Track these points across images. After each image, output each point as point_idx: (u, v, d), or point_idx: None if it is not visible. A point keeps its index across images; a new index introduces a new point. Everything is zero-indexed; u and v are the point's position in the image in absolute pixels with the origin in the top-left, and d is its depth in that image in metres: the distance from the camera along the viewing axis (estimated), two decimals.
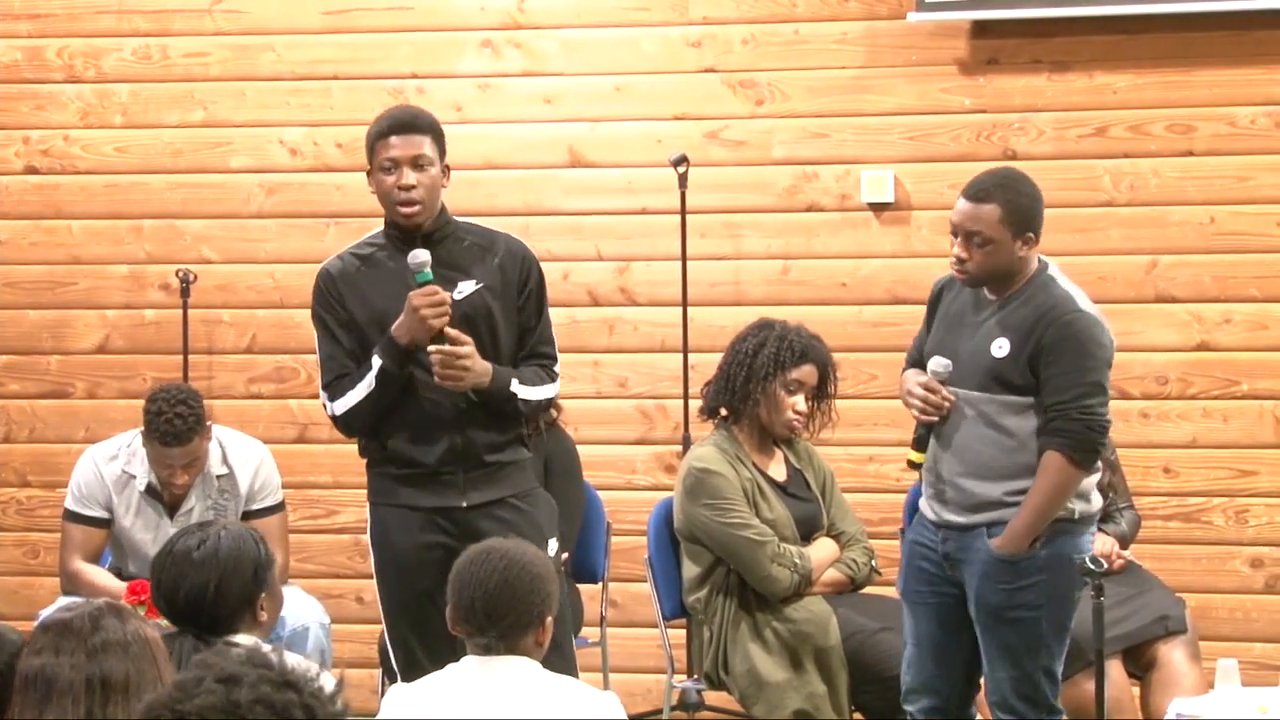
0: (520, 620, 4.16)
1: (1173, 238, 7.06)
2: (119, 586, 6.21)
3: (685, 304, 7.15)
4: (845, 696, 5.99)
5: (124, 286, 7.64)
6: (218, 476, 6.40)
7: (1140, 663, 6.18)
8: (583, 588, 6.61)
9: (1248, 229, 7.02)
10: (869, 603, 6.19)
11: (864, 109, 7.23)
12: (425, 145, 5.32)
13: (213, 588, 4.17)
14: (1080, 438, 5.22)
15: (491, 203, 7.17)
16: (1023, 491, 5.26)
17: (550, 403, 5.60)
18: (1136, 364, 7.03)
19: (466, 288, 5.33)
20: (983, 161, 6.53)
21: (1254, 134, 7.01)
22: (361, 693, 6.83)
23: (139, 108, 7.63)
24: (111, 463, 6.43)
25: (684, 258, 7.13)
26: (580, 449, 6.70)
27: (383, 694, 6.05)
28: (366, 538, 5.54)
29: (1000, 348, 5.29)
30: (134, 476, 6.40)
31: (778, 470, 6.23)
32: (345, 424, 5.39)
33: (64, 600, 5.58)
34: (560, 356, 5.53)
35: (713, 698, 6.57)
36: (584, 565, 6.64)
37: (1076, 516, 5.32)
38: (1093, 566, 5.09)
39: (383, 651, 6.25)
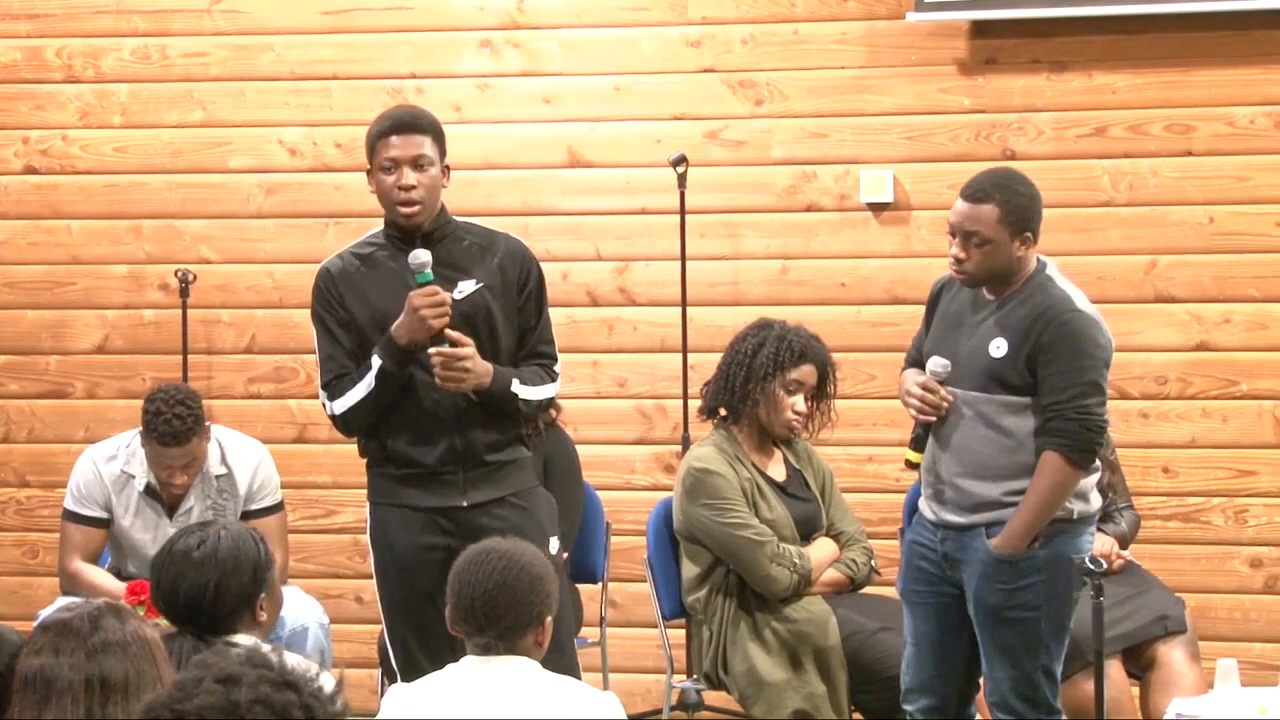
0: (519, 620, 4.16)
1: (1172, 238, 7.06)
2: (118, 587, 6.21)
3: (684, 304, 7.15)
4: (845, 696, 5.99)
5: (123, 286, 7.64)
6: (217, 477, 6.39)
7: (1140, 663, 6.18)
8: (582, 588, 6.61)
9: (1247, 229, 7.02)
10: (868, 603, 6.19)
11: (863, 109, 7.23)
12: (426, 145, 5.32)
13: (212, 588, 4.17)
14: (1077, 438, 5.22)
15: (490, 203, 7.17)
16: (1021, 491, 5.26)
17: (550, 402, 5.60)
18: (1136, 364, 7.04)
19: (467, 287, 5.33)
20: (982, 161, 6.53)
21: (1253, 134, 7.01)
22: (361, 693, 6.83)
23: (138, 108, 7.63)
24: (110, 463, 6.43)
25: (683, 258, 7.13)
26: (580, 449, 6.70)
27: (382, 694, 6.05)
28: (366, 538, 5.54)
29: (998, 348, 5.29)
30: (133, 476, 6.39)
31: (777, 470, 6.24)
32: (344, 423, 5.39)
33: (63, 600, 5.57)
34: (560, 356, 5.53)
35: (712, 698, 6.57)
36: (583, 565, 6.64)
37: (1075, 516, 5.32)
38: (1092, 567, 5.09)
39: (382, 651, 6.25)
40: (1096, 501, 5.43)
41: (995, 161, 6.73)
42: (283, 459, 6.78)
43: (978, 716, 5.64)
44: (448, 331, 5.21)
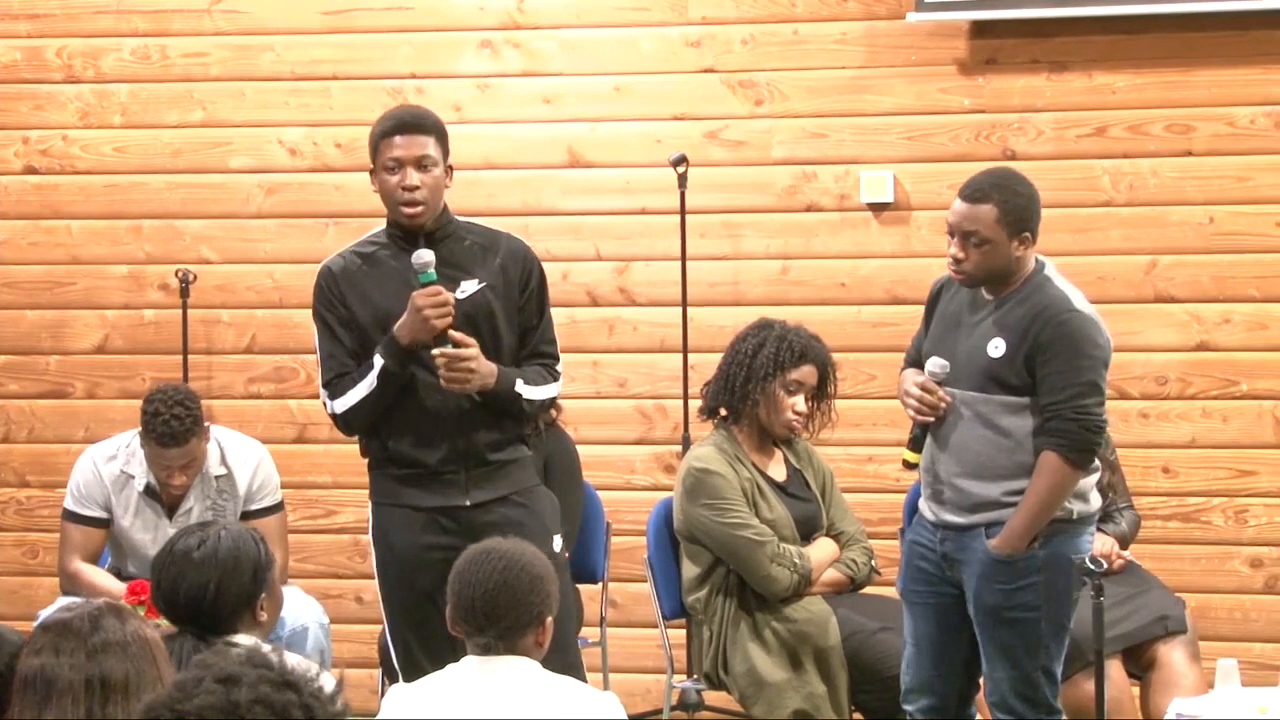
0: (520, 620, 4.16)
1: (1172, 238, 7.06)
2: (119, 587, 6.21)
3: (685, 304, 7.15)
4: (845, 696, 5.99)
5: (123, 286, 7.64)
6: (216, 477, 6.39)
7: (1140, 663, 6.18)
8: (582, 588, 6.60)
9: (1247, 229, 7.02)
10: (868, 603, 6.19)
11: (863, 109, 7.23)
12: (429, 146, 5.33)
13: (212, 588, 4.17)
14: (1076, 438, 5.22)
15: (490, 203, 7.17)
16: (1020, 491, 5.26)
17: (552, 402, 5.60)
18: (1136, 364, 7.04)
19: (469, 287, 5.33)
20: (982, 161, 6.53)
21: (1253, 134, 7.01)
22: (361, 693, 6.83)
23: (138, 108, 7.63)
24: (110, 463, 6.43)
25: (683, 258, 7.13)
26: (580, 449, 6.69)
27: (382, 694, 6.05)
28: (366, 537, 5.54)
29: (996, 348, 5.29)
30: (133, 477, 6.39)
31: (777, 470, 6.24)
32: (345, 422, 5.39)
33: (63, 600, 5.57)
34: (560, 356, 5.53)
35: (712, 698, 6.57)
36: (584, 565, 6.64)
37: (1075, 517, 5.32)
38: (1092, 567, 5.09)
39: (382, 651, 6.25)
40: (1096, 501, 5.43)
41: (995, 161, 6.73)
42: (283, 459, 6.78)
43: (978, 716, 5.64)
44: (451, 332, 5.21)
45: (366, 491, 5.51)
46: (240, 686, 2.52)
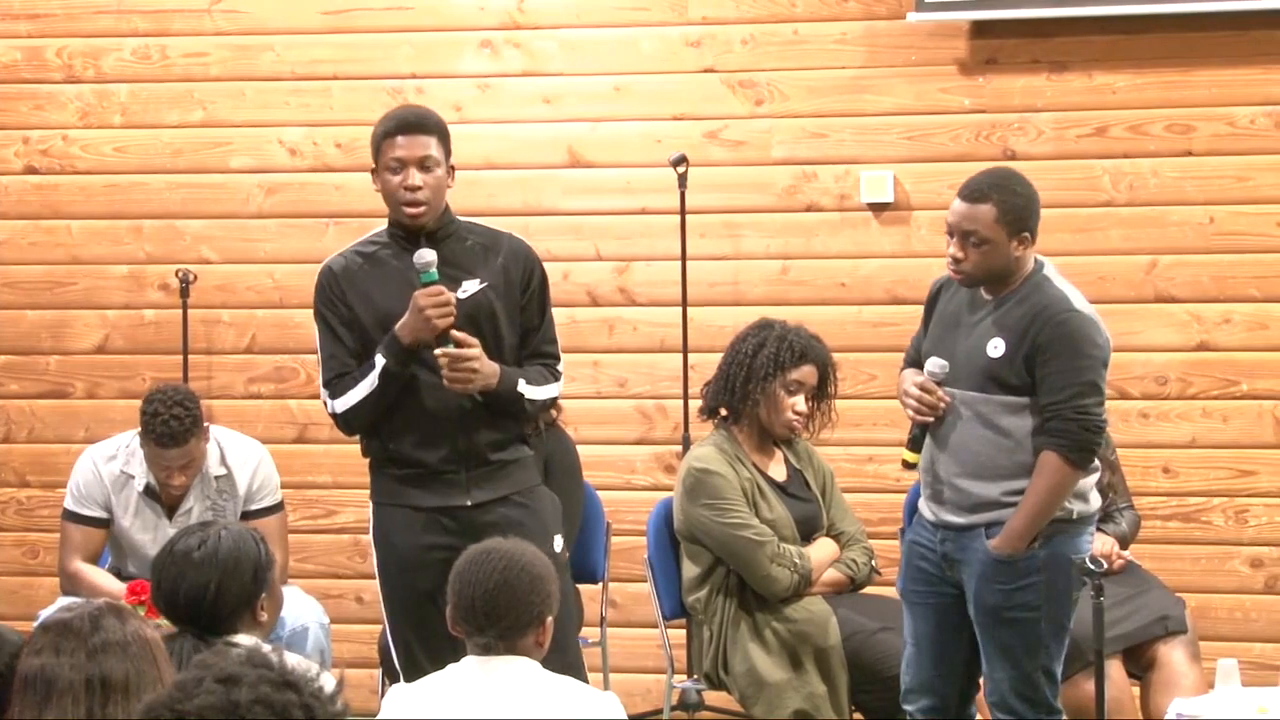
0: (520, 620, 4.16)
1: (1172, 238, 7.06)
2: (119, 587, 6.21)
3: (685, 304, 7.15)
4: (845, 696, 5.99)
5: (123, 286, 7.64)
6: (216, 477, 6.39)
7: (1140, 663, 6.18)
8: (582, 588, 6.60)
9: (1247, 229, 7.02)
10: (869, 603, 6.19)
11: (863, 109, 7.23)
12: (432, 146, 5.33)
13: (213, 588, 4.17)
14: (1076, 438, 5.22)
15: (491, 203, 7.17)
16: (1020, 491, 5.26)
17: (553, 402, 5.60)
18: (1136, 364, 7.04)
19: (471, 286, 5.33)
20: (982, 161, 6.53)
21: (1253, 134, 7.01)
22: (361, 693, 6.84)
23: (138, 108, 7.63)
24: (110, 463, 6.43)
25: (683, 258, 7.13)
26: (580, 449, 6.69)
27: (382, 694, 6.05)
28: (367, 537, 5.54)
29: (996, 348, 5.29)
30: (132, 477, 6.39)
31: (777, 470, 6.24)
32: (345, 422, 5.39)
33: (64, 600, 5.57)
34: (562, 356, 5.54)
35: (712, 698, 6.57)
36: (584, 565, 6.64)
37: (1075, 517, 5.31)
38: (1092, 567, 5.09)
39: (382, 651, 6.25)
40: (1096, 501, 5.43)
41: (996, 161, 6.73)
42: (283, 459, 6.78)
43: (978, 716, 5.64)
44: (454, 332, 5.21)
45: (366, 491, 5.51)
46: (240, 686, 2.52)
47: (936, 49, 7.17)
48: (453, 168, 5.41)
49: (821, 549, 6.19)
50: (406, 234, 5.36)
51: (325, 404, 5.40)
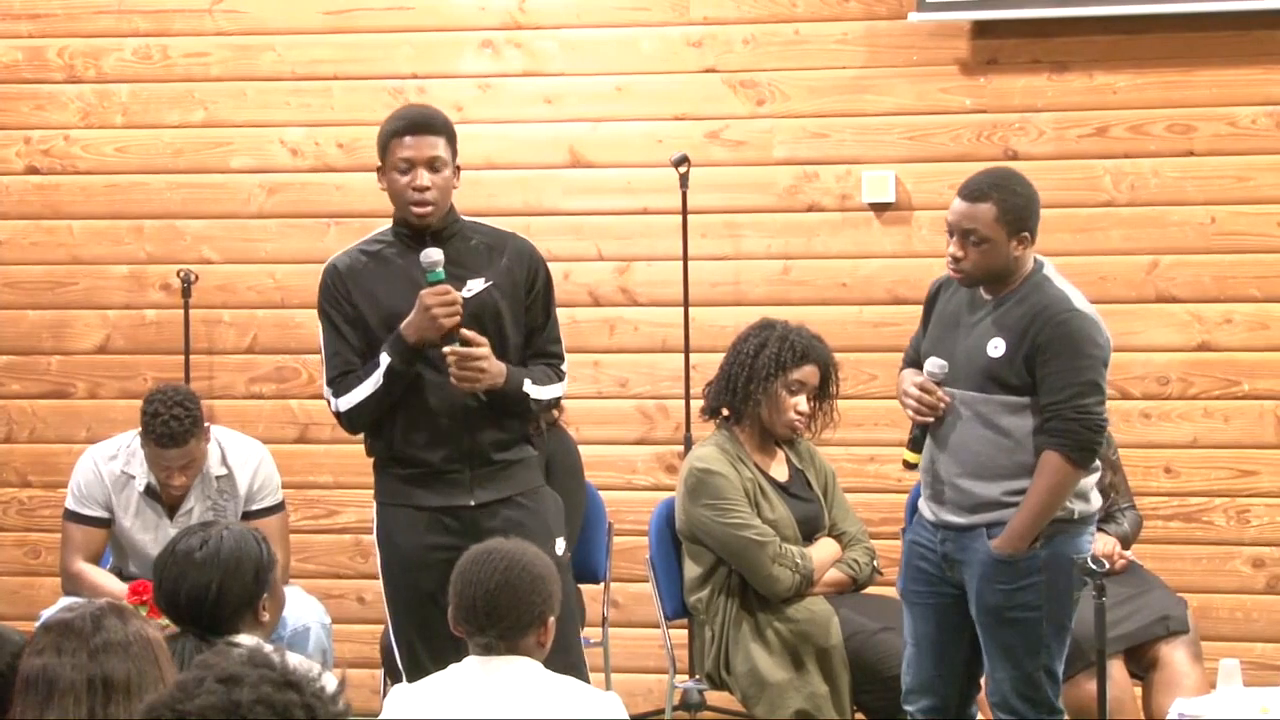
0: (521, 620, 4.16)
1: (1173, 238, 7.06)
2: (120, 587, 6.20)
3: (686, 304, 7.15)
4: (847, 696, 5.99)
5: (124, 286, 7.64)
6: (217, 477, 6.39)
7: (1142, 663, 6.18)
8: (584, 588, 6.60)
9: (1248, 229, 7.02)
10: (870, 603, 6.19)
11: (864, 109, 7.23)
12: (440, 146, 5.33)
13: (214, 588, 4.17)
14: (1077, 437, 5.22)
15: (492, 203, 7.17)
16: (1021, 491, 5.26)
17: (557, 401, 5.60)
18: (1137, 364, 7.04)
19: (475, 286, 5.33)
20: (983, 161, 6.53)
21: (1254, 134, 7.01)
22: (362, 693, 6.83)
23: (139, 108, 7.63)
24: (111, 462, 6.43)
25: (685, 258, 7.13)
26: (581, 449, 6.69)
27: (384, 694, 6.05)
28: (369, 537, 5.54)
29: (996, 347, 5.29)
30: (133, 477, 6.39)
31: (779, 470, 6.24)
32: (349, 420, 5.39)
33: (65, 600, 5.57)
34: (566, 356, 5.54)
35: (714, 698, 6.57)
36: (585, 565, 6.64)
37: (1076, 516, 5.32)
38: (1094, 567, 5.09)
39: (384, 651, 6.25)
40: (1097, 501, 5.43)
41: (997, 161, 6.73)
42: (284, 459, 6.78)
43: (979, 716, 5.64)
44: (464, 331, 5.22)
45: (368, 491, 5.51)
46: (242, 687, 2.52)
47: (938, 49, 7.17)
48: (458, 168, 5.42)
49: (823, 549, 6.19)
50: (412, 233, 5.37)
51: (329, 402, 5.39)
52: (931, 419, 5.39)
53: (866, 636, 6.01)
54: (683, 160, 7.09)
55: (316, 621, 6.36)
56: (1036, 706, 5.33)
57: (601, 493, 6.86)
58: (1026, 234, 5.30)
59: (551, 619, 4.22)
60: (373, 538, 5.49)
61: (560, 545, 5.40)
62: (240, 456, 6.45)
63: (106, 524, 6.42)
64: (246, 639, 4.12)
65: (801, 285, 7.27)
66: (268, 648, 2.66)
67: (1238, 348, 7.04)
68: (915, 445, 5.50)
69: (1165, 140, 7.05)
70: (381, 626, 6.45)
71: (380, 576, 5.44)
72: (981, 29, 7.14)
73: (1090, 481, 5.35)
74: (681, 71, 7.34)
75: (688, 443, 6.93)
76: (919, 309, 5.70)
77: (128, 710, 3.36)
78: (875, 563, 6.27)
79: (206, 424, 6.35)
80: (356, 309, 5.35)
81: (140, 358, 7.62)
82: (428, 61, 7.47)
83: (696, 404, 6.59)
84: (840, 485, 6.39)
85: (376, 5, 7.49)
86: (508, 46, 7.45)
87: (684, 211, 7.12)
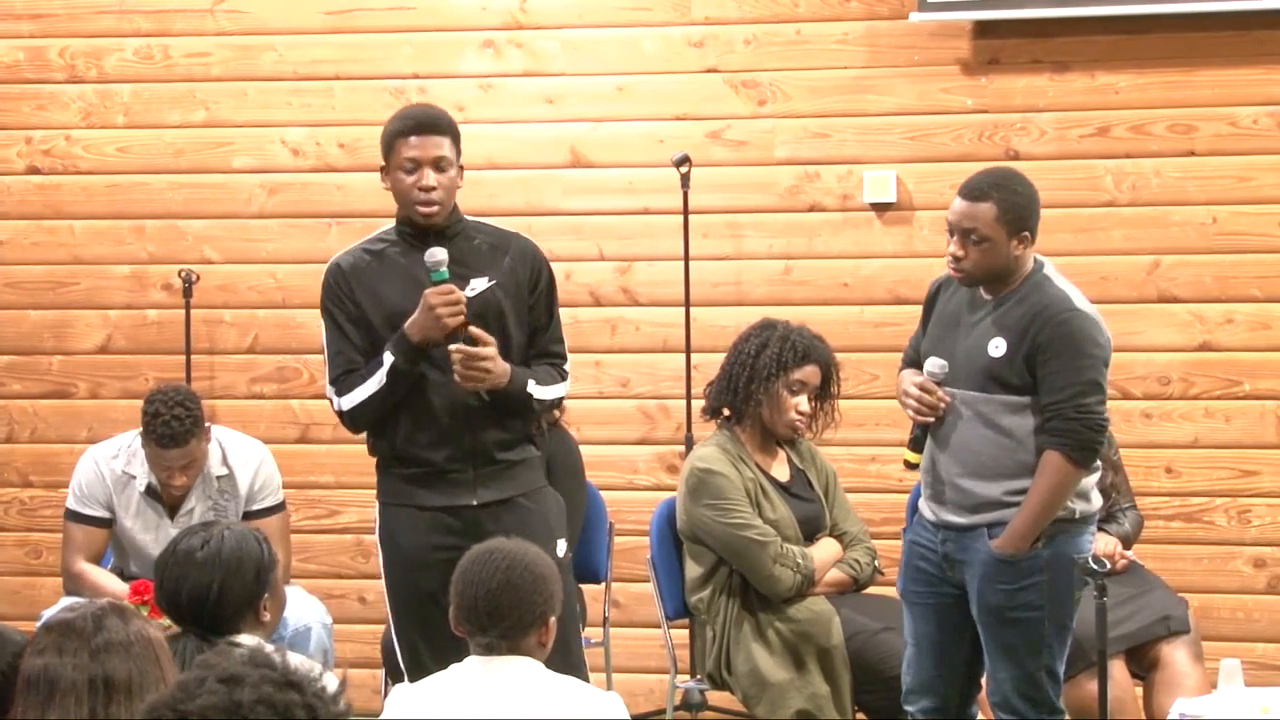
0: (523, 620, 4.16)
1: (1174, 238, 7.06)
2: (122, 588, 6.20)
3: (688, 304, 7.15)
4: (848, 697, 5.99)
5: (126, 286, 7.64)
6: (218, 477, 6.39)
7: (1143, 663, 6.18)
8: (585, 588, 6.60)
9: (1249, 229, 7.02)
10: (872, 603, 6.19)
11: (866, 109, 7.23)
12: (445, 146, 5.34)
13: (215, 588, 4.18)
14: (1078, 437, 5.22)
15: (493, 203, 7.17)
16: (1022, 491, 5.26)
17: (560, 401, 5.61)
18: (1138, 364, 7.03)
19: (479, 285, 5.33)
20: (985, 161, 6.53)
21: (1256, 134, 7.01)
22: (364, 693, 6.83)
23: (140, 108, 7.63)
24: (112, 462, 6.43)
25: (686, 258, 7.13)
26: (582, 449, 6.69)
27: (385, 694, 6.05)
28: (370, 537, 5.54)
29: (997, 347, 5.29)
30: (134, 477, 6.39)
31: (780, 470, 6.24)
32: (351, 419, 5.39)
33: (67, 600, 5.57)
34: (569, 355, 5.55)
35: (715, 698, 6.58)
36: (586, 565, 6.64)
37: (1077, 516, 5.32)
38: (1095, 567, 5.09)
39: (385, 651, 6.25)
40: (1097, 501, 5.43)
41: (998, 162, 6.73)
42: (285, 459, 6.78)
43: (979, 716, 5.63)
44: (472, 329, 5.22)
45: (369, 491, 5.51)
46: (243, 687, 2.52)
47: (939, 49, 7.17)
48: (462, 167, 5.42)
49: (824, 549, 6.19)
50: (415, 232, 5.37)
51: (331, 401, 5.39)
52: (932, 419, 5.39)
53: (868, 636, 6.01)
54: (684, 160, 7.09)
55: (318, 621, 6.36)
56: (1038, 706, 5.33)
57: (603, 493, 6.86)
58: (1027, 233, 5.30)
59: (553, 619, 4.22)
60: (374, 538, 5.49)
61: (562, 546, 5.40)
62: (241, 456, 6.45)
63: (108, 524, 6.42)
64: (247, 639, 4.12)
65: (803, 285, 7.27)
66: (269, 648, 2.66)
67: (1239, 348, 7.04)
68: (916, 445, 5.50)
69: (1166, 140, 7.05)
70: (382, 626, 6.45)
71: (382, 576, 5.44)
72: (983, 29, 7.14)
73: (1091, 481, 5.35)
74: (683, 71, 7.34)
75: (689, 443, 6.93)
76: (920, 309, 5.70)
77: (129, 710, 3.36)
78: (876, 563, 6.27)
79: (207, 424, 6.35)
80: (360, 308, 5.35)
81: (141, 358, 7.62)
82: (429, 61, 7.47)
83: (698, 404, 6.59)
84: (841, 485, 6.39)
85: (378, 5, 7.49)
86: (509, 46, 7.45)
87: (685, 211, 7.12)
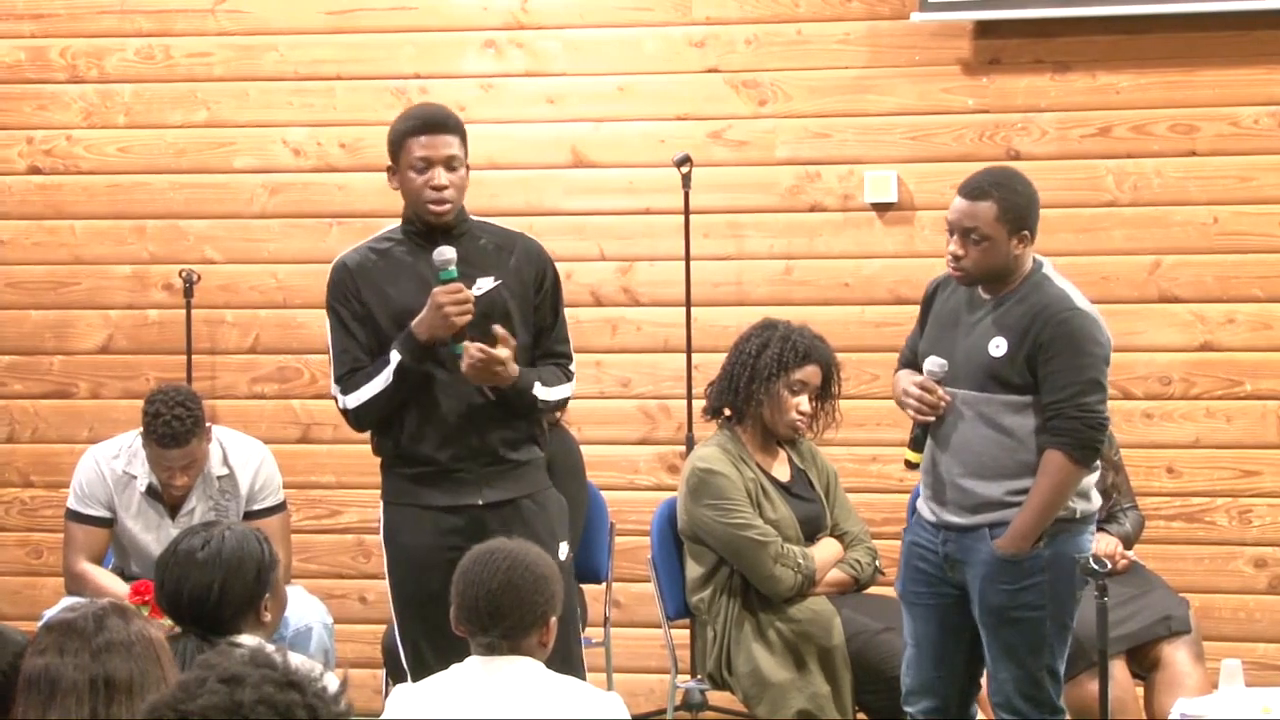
0: (524, 620, 4.16)
1: (1176, 238, 7.06)
2: (123, 588, 6.21)
3: (689, 304, 7.15)
4: (849, 697, 5.99)
5: (127, 286, 7.64)
6: (218, 477, 6.39)
7: (1144, 663, 6.18)
8: (586, 588, 6.61)
9: (1251, 229, 7.02)
10: (872, 603, 6.19)
11: (867, 109, 7.23)
12: (455, 145, 5.34)
13: (216, 588, 4.18)
14: (1080, 435, 5.22)
15: (494, 203, 7.16)
16: (1023, 491, 5.26)
17: (565, 402, 5.61)
18: (1139, 364, 7.03)
19: (485, 284, 5.33)
20: (986, 161, 6.52)
21: (1257, 134, 7.00)
22: (364, 693, 6.84)
23: (142, 108, 7.63)
24: (113, 462, 6.43)
25: (687, 258, 7.13)
26: (583, 449, 6.69)
27: (386, 694, 6.05)
28: (372, 538, 5.55)
29: (998, 347, 5.29)
30: (135, 477, 6.39)
31: (781, 471, 6.23)
32: (356, 418, 5.38)
33: (68, 600, 5.57)
34: (574, 356, 5.55)
35: (716, 698, 6.57)
36: (587, 565, 6.64)
37: (1078, 515, 5.32)
38: (1096, 567, 5.09)
39: (385, 651, 6.25)
40: (1097, 500, 5.43)
41: (999, 161, 6.73)
42: (286, 459, 6.78)
43: (979, 716, 5.63)
44: (496, 328, 5.22)
45: (370, 491, 5.52)
46: (244, 687, 2.52)
47: (940, 49, 7.17)
48: (469, 167, 5.42)
49: (825, 549, 6.19)
50: (421, 232, 5.37)
51: (336, 399, 5.38)
52: (933, 418, 5.38)
53: (869, 636, 6.01)
54: (685, 160, 7.09)
55: (318, 621, 6.36)
56: (1039, 706, 5.33)
57: (603, 493, 6.86)
58: (1026, 232, 5.30)
59: (554, 619, 4.22)
60: (376, 537, 5.49)
61: (564, 549, 5.40)
62: (242, 456, 6.45)
63: (109, 524, 6.42)
64: (248, 639, 4.12)
65: (804, 285, 7.27)
66: (270, 648, 2.65)
67: (1240, 348, 7.04)
68: (917, 444, 5.50)
69: (1168, 140, 7.05)
70: (383, 627, 6.46)
71: (386, 576, 5.44)
72: (984, 29, 7.14)
73: (1091, 480, 5.35)
74: (684, 72, 7.34)
75: (690, 443, 6.93)
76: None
77: (130, 710, 3.36)
78: (877, 563, 6.27)
79: (208, 424, 6.35)
80: (365, 306, 5.35)
81: (142, 358, 7.62)
82: (430, 61, 7.47)
83: (698, 404, 6.59)
84: (842, 485, 6.39)
85: (379, 5, 7.49)
86: (510, 46, 7.45)
87: (686, 211, 7.12)
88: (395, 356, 5.25)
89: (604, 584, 6.77)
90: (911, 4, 7.11)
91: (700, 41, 7.33)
